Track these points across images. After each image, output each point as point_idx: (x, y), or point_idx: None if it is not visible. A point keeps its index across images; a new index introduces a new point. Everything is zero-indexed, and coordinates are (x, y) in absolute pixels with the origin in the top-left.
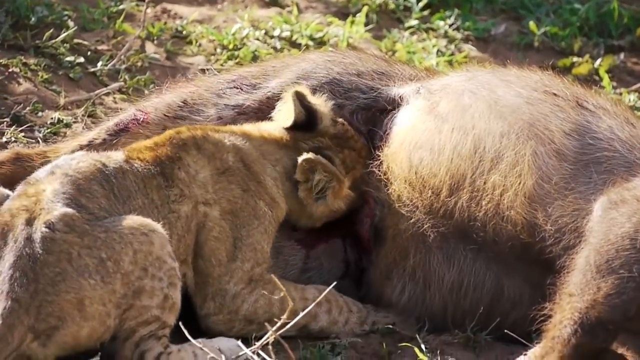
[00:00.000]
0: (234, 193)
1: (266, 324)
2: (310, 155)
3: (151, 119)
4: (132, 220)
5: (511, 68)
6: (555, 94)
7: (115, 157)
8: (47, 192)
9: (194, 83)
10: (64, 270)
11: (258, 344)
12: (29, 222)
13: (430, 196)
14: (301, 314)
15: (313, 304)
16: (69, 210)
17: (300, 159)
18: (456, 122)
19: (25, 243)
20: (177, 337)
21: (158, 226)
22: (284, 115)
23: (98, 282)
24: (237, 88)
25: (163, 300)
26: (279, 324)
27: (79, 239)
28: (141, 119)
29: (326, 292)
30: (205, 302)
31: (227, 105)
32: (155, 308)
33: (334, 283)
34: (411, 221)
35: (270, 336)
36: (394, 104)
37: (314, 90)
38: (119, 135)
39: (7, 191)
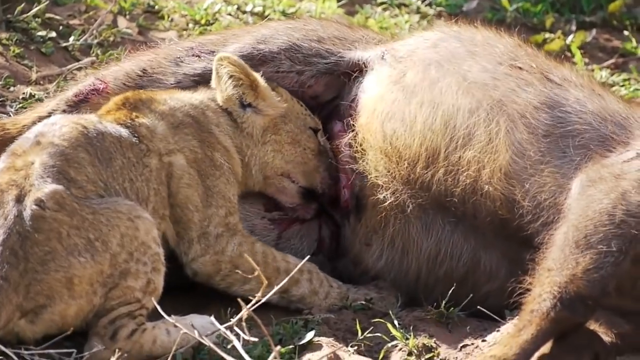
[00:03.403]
0: (192, 143)
1: (240, 300)
2: (224, 53)
3: (111, 88)
4: (118, 204)
5: (477, 31)
6: (520, 68)
7: (90, 118)
8: (35, 165)
9: (153, 51)
10: (54, 249)
11: (233, 320)
12: (19, 199)
13: (406, 167)
14: (287, 278)
15: (296, 268)
16: (59, 187)
17: (215, 57)
18: (424, 95)
19: (15, 221)
20: (151, 314)
21: (144, 212)
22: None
23: (88, 260)
24: (196, 56)
25: (146, 284)
26: (254, 300)
27: (69, 217)
28: (101, 89)
29: (305, 260)
30: (191, 247)
31: (186, 75)
32: (138, 290)
33: (310, 255)
34: (389, 191)
35: (244, 313)
36: (358, 68)
37: (273, 57)
38: (79, 106)
39: None
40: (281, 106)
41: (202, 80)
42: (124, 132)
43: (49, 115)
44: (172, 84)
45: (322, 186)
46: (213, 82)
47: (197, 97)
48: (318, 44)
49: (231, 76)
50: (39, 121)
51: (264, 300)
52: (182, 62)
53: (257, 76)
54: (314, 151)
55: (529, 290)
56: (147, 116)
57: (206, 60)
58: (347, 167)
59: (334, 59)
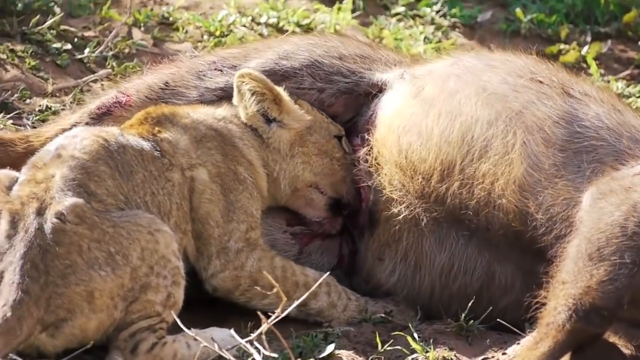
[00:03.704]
0: (215, 157)
1: (260, 314)
2: (244, 69)
3: (133, 101)
4: (139, 217)
5: (495, 52)
6: (541, 81)
7: (112, 131)
8: (56, 178)
9: (175, 64)
10: (74, 262)
11: (253, 335)
12: (40, 212)
13: (421, 181)
14: (307, 293)
15: (317, 283)
16: (79, 200)
17: (236, 74)
18: (443, 107)
19: (36, 234)
20: (171, 328)
21: (164, 225)
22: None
23: (109, 274)
24: (218, 70)
25: (166, 298)
26: (274, 315)
27: (89, 231)
28: (123, 102)
29: (325, 276)
30: (210, 262)
31: (208, 89)
32: (158, 304)
33: (330, 269)
34: (403, 205)
35: (265, 327)
36: (377, 89)
37: (295, 73)
38: (102, 119)
39: (15, 173)
40: (306, 118)
41: (224, 94)
42: (146, 145)
43: (72, 128)
44: (194, 97)
45: (348, 196)
46: (235, 100)
47: (221, 111)
48: (339, 61)
49: (254, 92)
50: (62, 134)
51: (283, 315)
52: (204, 76)
53: (280, 90)
54: (340, 160)
55: (544, 304)
56: (170, 130)
57: (228, 74)
58: (361, 181)
59: (354, 79)
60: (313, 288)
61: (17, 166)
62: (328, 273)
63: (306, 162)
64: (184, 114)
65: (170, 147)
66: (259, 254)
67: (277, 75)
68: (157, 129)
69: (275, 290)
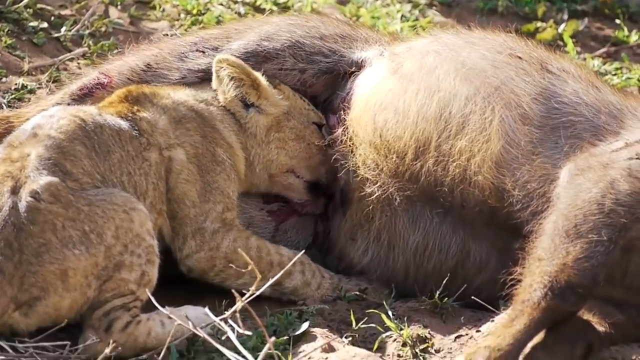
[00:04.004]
0: (194, 138)
1: (234, 291)
2: (222, 54)
3: (115, 82)
4: (114, 196)
5: (475, 30)
6: (519, 57)
7: (89, 111)
8: (31, 157)
9: (157, 45)
10: (48, 241)
11: (227, 312)
12: (14, 190)
13: (395, 160)
14: (281, 272)
15: (290, 263)
16: (54, 179)
17: (214, 60)
18: (421, 83)
19: (10, 212)
20: (145, 306)
21: (139, 204)
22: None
23: (83, 253)
24: (200, 51)
25: (140, 276)
26: (248, 294)
27: (64, 210)
28: (105, 83)
29: (300, 254)
30: (185, 243)
31: (191, 70)
32: (132, 282)
33: (304, 248)
34: (377, 185)
35: (239, 305)
36: (357, 67)
37: (277, 54)
38: (83, 100)
39: None
40: (283, 104)
41: (206, 76)
42: (124, 125)
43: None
44: (176, 79)
45: (327, 178)
46: (214, 84)
47: (203, 94)
48: (320, 41)
49: (232, 77)
50: None
51: (257, 293)
52: (186, 57)
53: (258, 75)
54: (318, 146)
55: (520, 281)
56: (149, 110)
57: (210, 56)
58: (336, 161)
59: (335, 58)
60: (287, 267)
61: None
62: (302, 252)
63: (281, 147)
64: (164, 95)
65: (148, 126)
66: (235, 235)
67: (259, 56)
68: (136, 107)
69: (250, 268)
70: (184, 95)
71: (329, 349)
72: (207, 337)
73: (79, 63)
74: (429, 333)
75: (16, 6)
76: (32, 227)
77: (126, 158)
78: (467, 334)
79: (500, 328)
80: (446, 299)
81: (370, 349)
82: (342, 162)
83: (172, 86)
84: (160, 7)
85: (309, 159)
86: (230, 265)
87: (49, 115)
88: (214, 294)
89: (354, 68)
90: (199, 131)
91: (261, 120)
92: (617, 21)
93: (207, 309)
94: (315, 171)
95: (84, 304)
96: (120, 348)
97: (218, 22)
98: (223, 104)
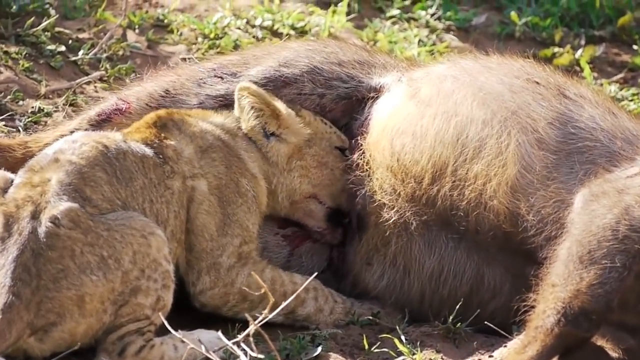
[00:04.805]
0: (218, 169)
1: (247, 315)
2: (244, 83)
3: (133, 108)
4: (133, 220)
5: (492, 56)
6: (537, 82)
7: (113, 137)
8: (52, 182)
9: (175, 72)
10: (66, 266)
11: (240, 336)
12: (34, 215)
13: (412, 184)
14: (291, 297)
15: (301, 287)
16: (74, 205)
17: (236, 88)
18: (439, 107)
19: (30, 237)
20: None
21: (157, 229)
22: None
23: (100, 279)
24: (218, 77)
25: (156, 301)
26: (261, 317)
27: (83, 235)
28: (123, 109)
29: (312, 277)
30: (200, 277)
31: (209, 96)
32: (147, 307)
33: (317, 273)
34: (394, 209)
35: (252, 329)
36: (375, 93)
37: (295, 79)
38: (101, 126)
39: (11, 175)
40: (304, 132)
41: (224, 101)
42: (149, 152)
43: (71, 134)
44: (194, 105)
45: (346, 205)
46: (236, 112)
47: (229, 121)
48: (339, 67)
49: (252, 107)
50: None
51: (270, 317)
52: (204, 83)
53: (279, 104)
54: (342, 170)
55: (533, 307)
56: (176, 138)
57: (228, 81)
58: (352, 187)
59: (353, 84)
60: (299, 291)
61: (15, 172)
62: (314, 276)
63: (304, 176)
64: (193, 122)
65: (174, 154)
66: (250, 269)
67: (278, 82)
68: (163, 134)
69: (263, 291)
70: (211, 125)
71: None
72: None
73: (96, 86)
74: (442, 358)
75: (34, 29)
76: (51, 253)
77: (149, 185)
78: (479, 359)
79: (512, 354)
80: (459, 323)
81: None
82: (359, 186)
83: (202, 112)
84: (177, 31)
85: (332, 185)
86: (244, 300)
87: (72, 140)
88: (227, 318)
89: (372, 94)
90: (224, 162)
91: (282, 149)
92: (635, 47)
93: (219, 333)
94: (338, 197)
95: (100, 329)
96: None
97: (235, 47)
98: (245, 131)
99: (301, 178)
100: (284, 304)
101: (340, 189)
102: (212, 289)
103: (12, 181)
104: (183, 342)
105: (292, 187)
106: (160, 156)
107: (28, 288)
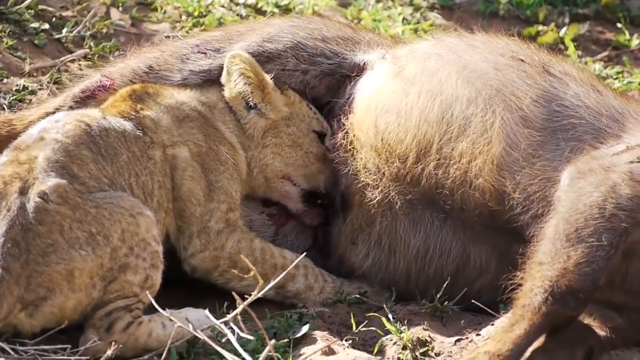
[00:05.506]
0: (197, 137)
1: (235, 294)
2: (236, 50)
3: (117, 85)
4: (122, 199)
5: (477, 34)
6: (522, 60)
7: (93, 115)
8: (39, 159)
9: (158, 48)
10: (56, 241)
11: (228, 315)
12: (23, 191)
13: (396, 163)
14: (284, 272)
15: (292, 265)
16: (62, 181)
17: (227, 55)
18: (423, 85)
19: (19, 212)
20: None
21: (146, 209)
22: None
23: (89, 254)
24: (202, 53)
25: (144, 280)
26: (251, 298)
27: (71, 211)
28: (107, 85)
29: (301, 257)
30: (191, 241)
31: (192, 72)
32: (136, 285)
33: (306, 251)
34: (378, 189)
35: (240, 309)
36: (359, 70)
37: (279, 55)
38: (86, 102)
39: None
40: (285, 111)
41: (208, 77)
42: (128, 125)
43: (56, 111)
44: (178, 80)
45: (325, 187)
46: (223, 79)
47: (206, 94)
48: (322, 43)
49: (242, 74)
50: (45, 117)
51: (259, 295)
52: (188, 59)
53: (267, 78)
54: (317, 155)
55: (520, 285)
56: (152, 108)
57: (212, 57)
58: (336, 167)
59: (337, 60)
60: (289, 269)
61: (0, 150)
62: (304, 254)
63: (277, 153)
64: (168, 94)
65: (152, 124)
66: (239, 236)
67: (262, 57)
68: (139, 105)
69: (252, 274)
70: (187, 97)
71: (329, 351)
72: (207, 339)
73: (80, 64)
74: (429, 336)
75: (17, 7)
76: (40, 228)
77: (132, 159)
78: (467, 338)
79: (500, 333)
80: (446, 302)
81: (370, 352)
82: (343, 166)
83: (176, 87)
84: (161, 9)
85: (306, 167)
86: (235, 266)
87: (55, 120)
88: (215, 297)
89: (356, 71)
90: (201, 130)
91: (260, 122)
92: (619, 25)
93: (207, 312)
94: (313, 180)
95: (89, 304)
96: (121, 348)
97: (219, 24)
98: (227, 98)
99: (274, 155)
100: (275, 280)
101: (315, 171)
102: (202, 252)
103: None
104: (171, 320)
105: (265, 162)
106: (139, 128)
107: (17, 262)
